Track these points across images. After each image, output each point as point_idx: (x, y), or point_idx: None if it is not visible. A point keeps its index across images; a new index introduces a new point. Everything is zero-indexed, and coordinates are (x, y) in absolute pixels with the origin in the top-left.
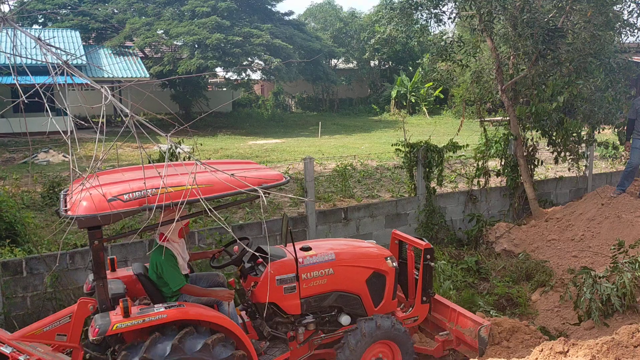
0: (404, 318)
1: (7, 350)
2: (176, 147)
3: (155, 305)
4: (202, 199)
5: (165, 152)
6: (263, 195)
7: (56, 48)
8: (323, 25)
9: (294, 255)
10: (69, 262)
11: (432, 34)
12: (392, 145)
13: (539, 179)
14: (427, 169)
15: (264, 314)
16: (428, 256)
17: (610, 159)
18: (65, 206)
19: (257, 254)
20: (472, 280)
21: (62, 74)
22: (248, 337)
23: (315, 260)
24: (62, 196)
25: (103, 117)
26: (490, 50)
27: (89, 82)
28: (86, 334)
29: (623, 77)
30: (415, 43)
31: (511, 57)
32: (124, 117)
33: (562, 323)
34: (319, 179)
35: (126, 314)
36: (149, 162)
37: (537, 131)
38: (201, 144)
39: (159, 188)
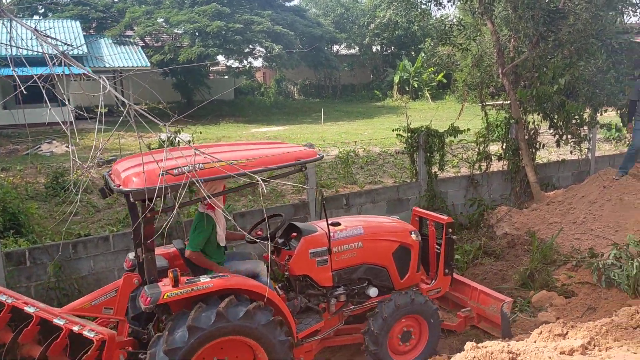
0: (427, 290)
1: (60, 322)
2: (175, 136)
3: (201, 276)
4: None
5: (165, 141)
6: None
7: (53, 39)
8: (324, 10)
9: (327, 229)
10: (71, 251)
11: (433, 17)
12: (392, 130)
13: (541, 162)
14: (428, 154)
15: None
16: (450, 230)
17: (614, 141)
18: (115, 182)
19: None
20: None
21: (60, 65)
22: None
23: (345, 234)
24: (106, 175)
25: (102, 107)
26: (491, 33)
27: (87, 72)
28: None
29: (625, 58)
30: (417, 27)
31: (512, 40)
32: (122, 107)
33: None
34: (321, 165)
35: (176, 283)
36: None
37: (538, 114)
38: (200, 132)
39: (206, 163)
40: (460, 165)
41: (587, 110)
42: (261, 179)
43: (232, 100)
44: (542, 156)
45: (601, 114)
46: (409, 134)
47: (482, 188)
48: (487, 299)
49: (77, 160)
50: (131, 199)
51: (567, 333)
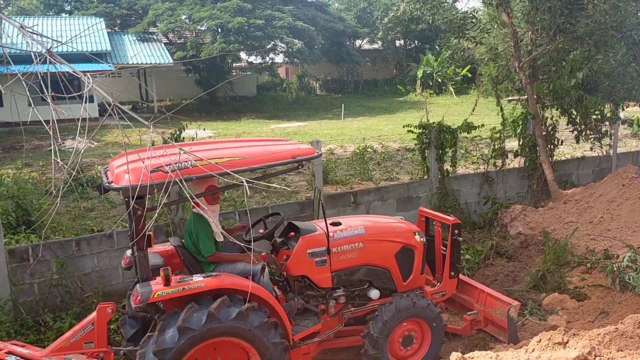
0: (432, 292)
1: None
2: (180, 132)
3: (194, 275)
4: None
5: (170, 139)
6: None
7: (40, 35)
8: (347, 5)
9: (325, 229)
10: (75, 248)
11: (447, 9)
12: (403, 126)
13: (560, 159)
14: (440, 151)
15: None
16: (456, 231)
17: None
18: (108, 179)
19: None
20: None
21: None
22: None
23: (345, 234)
24: (102, 172)
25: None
26: (507, 26)
27: (72, 71)
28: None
29: None
30: (440, 22)
31: (529, 33)
32: (146, 103)
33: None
34: (337, 162)
35: (167, 282)
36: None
37: (556, 110)
38: (201, 129)
39: (196, 161)
40: (475, 162)
41: (608, 106)
42: (249, 179)
43: (254, 97)
44: (566, 152)
45: (623, 109)
46: (420, 130)
47: (497, 186)
48: (494, 302)
49: (59, 160)
50: (121, 197)
51: (567, 342)
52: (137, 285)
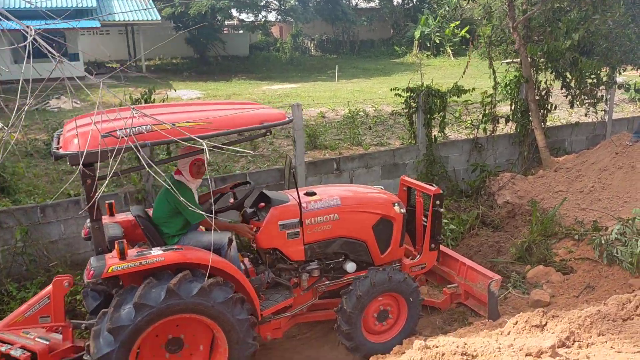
0: (411, 265)
1: None
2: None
3: (153, 249)
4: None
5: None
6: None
7: None
8: None
9: (297, 199)
10: (40, 215)
11: None
12: (390, 89)
13: (553, 124)
14: (428, 116)
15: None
16: (437, 202)
17: (639, 102)
18: (58, 144)
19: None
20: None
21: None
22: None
23: (319, 205)
24: (55, 136)
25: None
26: None
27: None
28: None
29: None
30: None
31: None
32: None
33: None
34: (327, 125)
35: (122, 256)
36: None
37: (550, 73)
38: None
39: (153, 125)
40: (468, 128)
41: (605, 70)
42: (217, 145)
43: (247, 57)
44: (562, 117)
45: (620, 73)
46: (408, 94)
47: (486, 153)
48: (476, 275)
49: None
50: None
51: (546, 324)
52: (92, 258)
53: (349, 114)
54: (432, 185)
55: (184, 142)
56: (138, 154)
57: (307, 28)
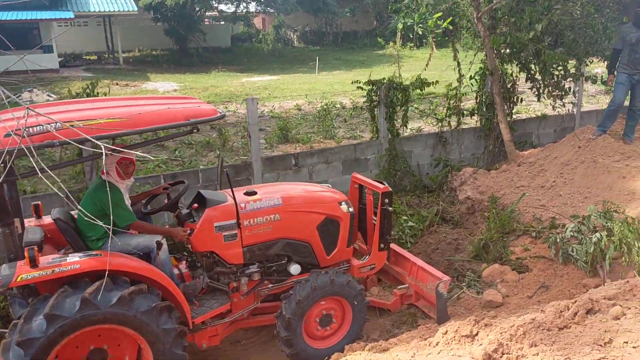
0: (360, 266)
1: None
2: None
3: (69, 255)
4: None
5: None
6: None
7: None
8: None
9: (234, 200)
10: None
11: None
12: (352, 82)
13: (520, 117)
14: (390, 109)
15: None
16: (386, 200)
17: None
18: None
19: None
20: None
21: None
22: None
23: (259, 205)
24: None
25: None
26: None
27: None
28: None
29: (612, 1)
30: None
31: None
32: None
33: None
34: (301, 118)
35: (33, 263)
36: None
37: (516, 65)
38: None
39: (65, 123)
40: (428, 122)
41: (572, 61)
42: (128, 146)
43: (229, 48)
44: (537, 110)
45: (587, 65)
46: (370, 87)
47: (451, 147)
48: (426, 275)
49: None
50: None
51: (477, 334)
52: (3, 266)
53: (323, 107)
54: (381, 183)
55: (77, 145)
56: (29, 155)
57: (289, 19)
